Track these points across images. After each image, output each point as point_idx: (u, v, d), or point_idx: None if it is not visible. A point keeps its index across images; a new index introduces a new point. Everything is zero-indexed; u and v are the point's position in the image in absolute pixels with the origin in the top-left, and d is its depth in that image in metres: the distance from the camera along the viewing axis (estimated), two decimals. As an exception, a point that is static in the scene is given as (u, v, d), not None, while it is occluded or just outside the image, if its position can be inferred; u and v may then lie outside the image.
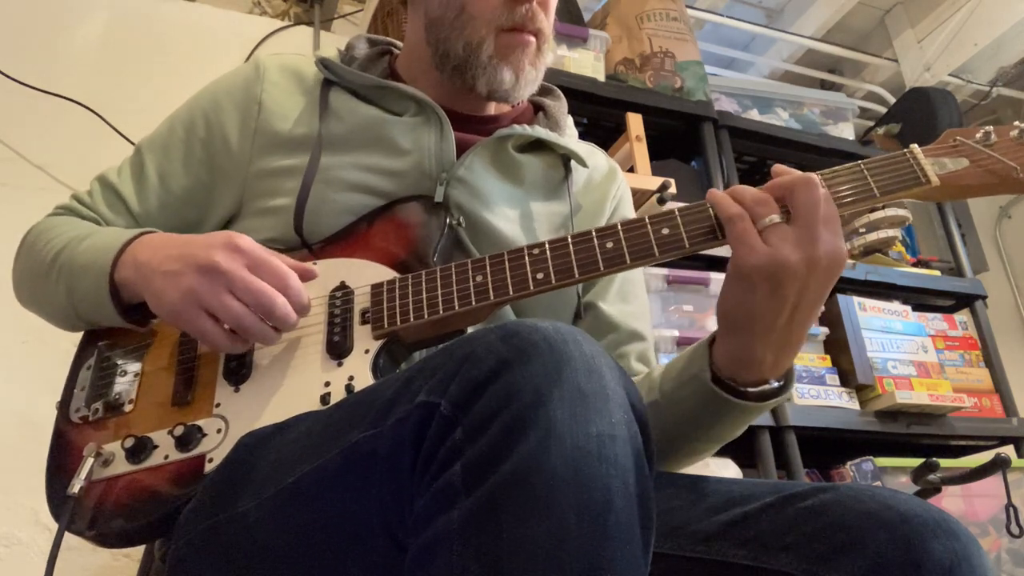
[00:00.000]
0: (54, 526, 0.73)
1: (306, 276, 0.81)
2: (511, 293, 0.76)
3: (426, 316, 0.77)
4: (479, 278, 0.78)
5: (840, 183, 0.77)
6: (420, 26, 0.98)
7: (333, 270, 0.85)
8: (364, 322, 0.80)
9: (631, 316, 1.01)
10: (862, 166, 0.77)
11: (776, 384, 0.78)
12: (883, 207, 2.04)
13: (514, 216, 0.94)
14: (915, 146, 0.79)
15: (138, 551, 1.04)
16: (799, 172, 0.74)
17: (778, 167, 0.76)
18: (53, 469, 0.82)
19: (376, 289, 0.81)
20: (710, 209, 0.76)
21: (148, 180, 0.95)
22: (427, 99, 0.94)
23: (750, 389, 0.77)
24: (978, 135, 0.79)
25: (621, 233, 0.76)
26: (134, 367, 0.85)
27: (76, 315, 0.88)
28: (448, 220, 0.87)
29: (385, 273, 0.83)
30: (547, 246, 0.78)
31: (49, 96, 1.82)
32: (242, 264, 0.75)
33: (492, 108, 1.03)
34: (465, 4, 0.92)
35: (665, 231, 0.76)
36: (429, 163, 0.92)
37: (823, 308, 1.89)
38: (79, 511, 0.75)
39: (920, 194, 0.78)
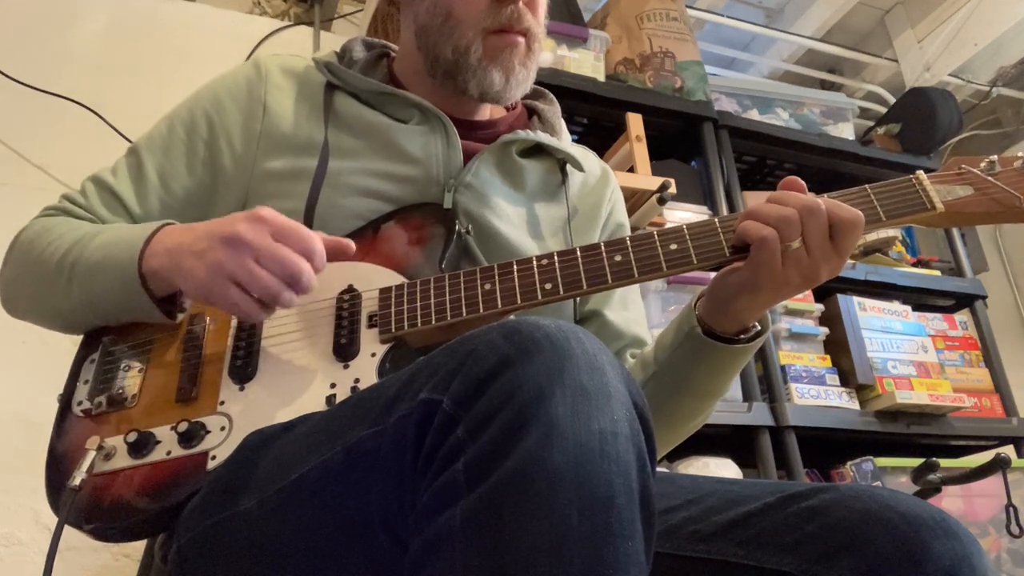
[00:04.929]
0: (54, 526, 0.73)
1: (341, 250, 0.80)
2: (519, 302, 0.77)
3: (433, 322, 0.78)
4: (487, 286, 0.78)
5: None
6: (411, 33, 0.99)
7: (341, 273, 0.85)
8: (371, 326, 0.81)
9: (633, 322, 1.03)
10: (869, 190, 0.80)
11: (757, 327, 0.85)
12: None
13: (519, 220, 0.95)
14: (921, 172, 0.81)
15: (138, 551, 1.04)
16: (807, 201, 0.75)
17: (788, 181, 0.80)
18: (52, 461, 0.81)
19: (384, 293, 0.82)
20: (718, 225, 0.78)
21: (148, 181, 0.94)
22: (432, 107, 0.94)
23: (739, 336, 0.85)
24: (983, 164, 0.81)
25: (630, 247, 0.78)
26: (138, 362, 0.85)
27: (95, 315, 0.87)
28: (457, 228, 0.88)
29: (392, 278, 0.84)
30: (556, 257, 0.79)
31: (49, 96, 1.82)
32: (266, 232, 0.75)
33: (488, 112, 1.04)
34: (451, 9, 0.92)
35: (673, 247, 0.78)
36: (437, 170, 0.93)
37: (823, 307, 1.90)
38: (79, 504, 0.75)
39: (924, 219, 0.80)
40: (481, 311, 0.77)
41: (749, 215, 0.76)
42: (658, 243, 0.78)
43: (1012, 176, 0.80)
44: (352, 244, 0.81)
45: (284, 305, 0.76)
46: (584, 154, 1.10)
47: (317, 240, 0.77)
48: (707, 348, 0.83)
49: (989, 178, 0.80)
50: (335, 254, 0.80)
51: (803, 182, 0.79)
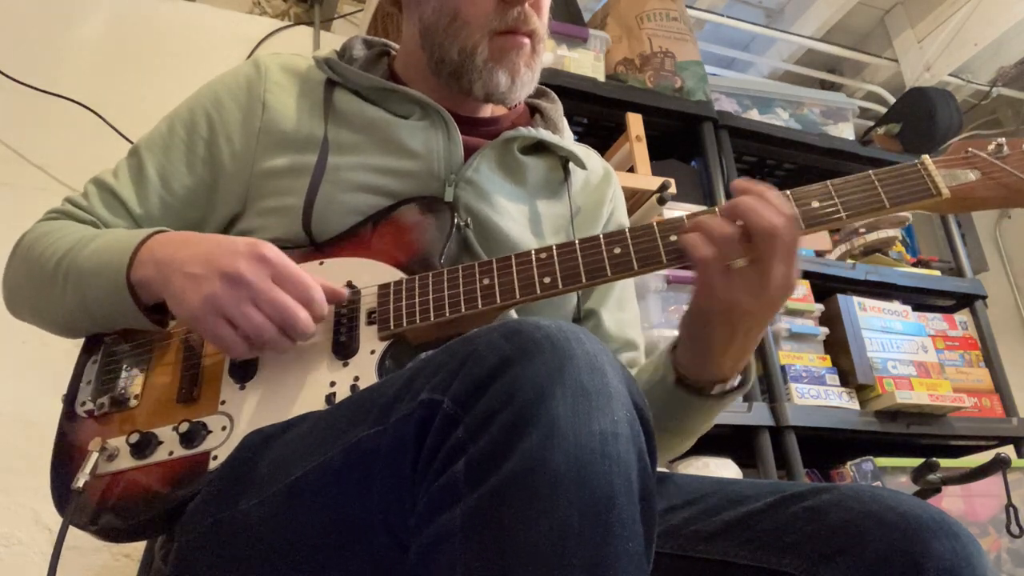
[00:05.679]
0: (54, 526, 0.73)
1: (334, 298, 0.81)
2: (518, 296, 0.77)
3: (432, 318, 0.78)
4: (486, 281, 0.78)
5: (850, 192, 0.77)
6: (415, 32, 0.98)
7: (340, 270, 0.85)
8: (370, 323, 0.80)
9: (626, 324, 1.03)
10: (872, 176, 0.78)
11: (736, 382, 0.83)
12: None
13: (520, 217, 0.95)
14: (926, 157, 0.79)
15: (138, 551, 1.04)
16: (760, 215, 0.71)
17: (737, 183, 0.76)
18: (57, 462, 0.81)
19: (383, 290, 0.82)
20: (718, 214, 0.76)
21: (148, 181, 0.94)
22: (432, 103, 0.94)
23: (713, 391, 0.82)
24: (990, 147, 0.79)
25: (629, 239, 0.77)
26: (140, 362, 0.85)
27: (89, 320, 0.87)
28: (456, 221, 0.87)
29: (392, 274, 0.84)
30: (554, 250, 0.78)
31: (49, 96, 1.82)
32: (267, 275, 0.75)
33: (490, 109, 1.04)
34: (458, 10, 0.92)
35: (673, 238, 0.76)
36: (438, 165, 0.92)
37: (823, 307, 1.89)
38: (83, 505, 0.75)
39: (929, 206, 0.78)
40: (480, 307, 0.77)
41: (694, 227, 0.74)
42: (658, 235, 0.77)
43: (1021, 159, 0.77)
44: (345, 293, 0.81)
45: (276, 349, 0.77)
46: (587, 153, 1.10)
47: (317, 289, 0.77)
48: (676, 398, 0.82)
49: (997, 162, 0.77)
50: (329, 302, 0.80)
51: (759, 187, 0.74)
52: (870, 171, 0.78)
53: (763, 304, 0.73)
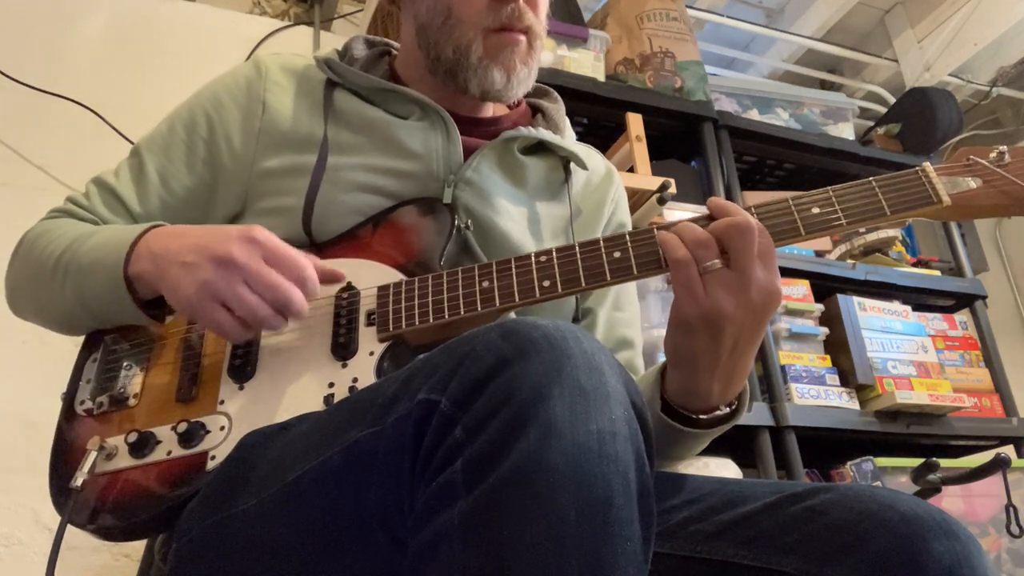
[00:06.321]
0: (54, 526, 0.73)
1: (332, 278, 0.80)
2: (517, 300, 0.77)
3: (431, 320, 0.78)
4: (485, 284, 0.78)
5: (851, 199, 0.77)
6: (412, 31, 0.99)
7: (339, 270, 0.85)
8: (370, 324, 0.80)
9: (623, 323, 1.03)
10: (873, 183, 0.77)
11: (726, 410, 0.79)
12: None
13: (520, 218, 0.95)
14: (927, 164, 0.79)
15: (138, 551, 1.04)
16: (731, 217, 0.72)
17: (712, 201, 0.76)
18: (56, 461, 0.82)
19: (383, 291, 0.82)
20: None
21: (149, 181, 0.94)
22: (432, 103, 0.94)
23: (701, 416, 0.79)
24: (992, 155, 0.78)
25: (629, 243, 0.77)
26: (139, 361, 0.85)
27: (88, 316, 0.87)
28: (456, 223, 0.87)
29: (391, 275, 0.84)
30: (554, 254, 0.78)
31: (49, 96, 1.82)
32: (259, 256, 0.75)
33: (491, 110, 1.04)
34: (451, 8, 0.92)
35: None
36: (437, 166, 0.92)
37: (823, 307, 1.89)
38: (81, 504, 0.75)
39: (930, 213, 0.77)
40: (479, 309, 0.77)
41: (675, 230, 0.73)
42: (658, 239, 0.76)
43: (1022, 167, 0.77)
44: (343, 273, 0.81)
45: (271, 329, 0.77)
46: (588, 152, 1.09)
47: (310, 267, 0.77)
48: (663, 425, 0.79)
49: (998, 170, 0.77)
50: (325, 282, 0.80)
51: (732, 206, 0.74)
52: (871, 178, 0.78)
53: (747, 311, 0.71)
